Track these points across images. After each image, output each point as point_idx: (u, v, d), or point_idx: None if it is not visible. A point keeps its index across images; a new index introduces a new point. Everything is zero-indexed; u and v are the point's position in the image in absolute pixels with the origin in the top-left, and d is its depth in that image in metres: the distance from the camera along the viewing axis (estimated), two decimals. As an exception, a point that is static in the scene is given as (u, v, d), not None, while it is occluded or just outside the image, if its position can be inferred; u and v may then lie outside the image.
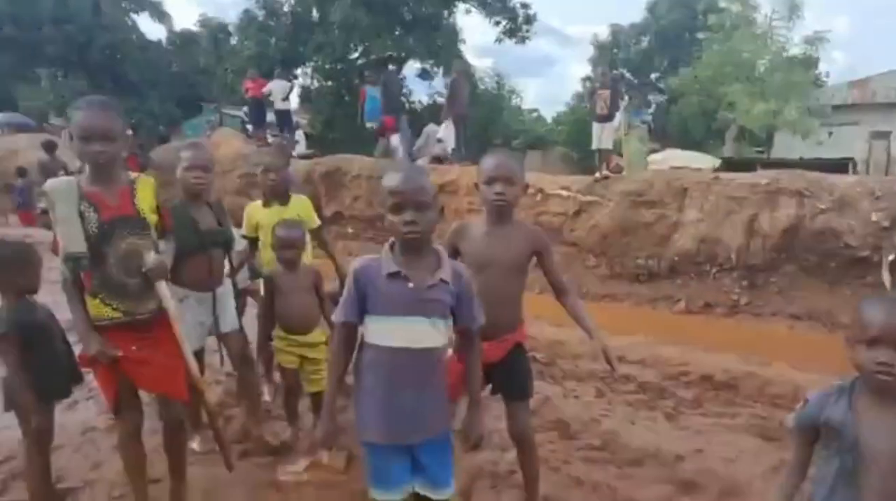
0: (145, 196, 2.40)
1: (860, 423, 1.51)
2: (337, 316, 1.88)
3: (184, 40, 34.84)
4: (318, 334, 3.16)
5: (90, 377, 2.61)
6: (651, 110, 10.18)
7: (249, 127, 15.18)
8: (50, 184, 2.34)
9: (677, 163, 11.00)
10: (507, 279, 2.33)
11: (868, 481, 1.48)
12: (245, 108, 16.32)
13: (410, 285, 1.79)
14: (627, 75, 23.91)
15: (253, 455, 3.10)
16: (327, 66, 22.59)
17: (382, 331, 1.81)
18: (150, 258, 2.33)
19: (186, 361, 2.44)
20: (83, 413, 3.51)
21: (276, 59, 21.43)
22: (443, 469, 1.91)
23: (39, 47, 29.74)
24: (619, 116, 9.51)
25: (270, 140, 12.51)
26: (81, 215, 2.26)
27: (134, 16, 35.03)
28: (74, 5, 29.68)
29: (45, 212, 8.88)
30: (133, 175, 2.44)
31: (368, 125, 11.99)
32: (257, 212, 3.53)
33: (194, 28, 34.78)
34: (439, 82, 23.04)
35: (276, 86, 13.31)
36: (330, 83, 23.11)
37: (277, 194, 3.50)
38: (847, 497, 1.52)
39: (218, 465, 2.62)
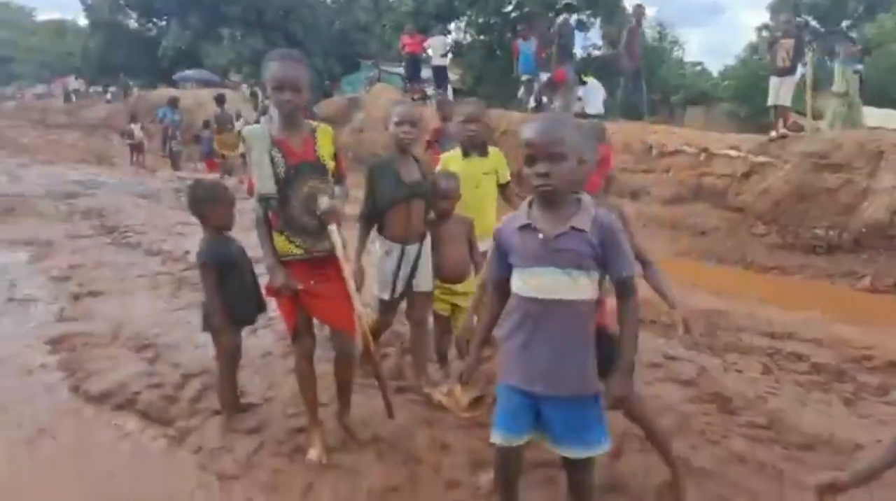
0: (325, 143, 2.55)
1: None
2: (486, 272, 1.97)
3: (347, -1, 36.21)
4: (470, 283, 3.20)
5: (271, 306, 2.86)
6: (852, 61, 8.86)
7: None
8: (247, 130, 2.57)
9: (872, 122, 9.61)
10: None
11: None
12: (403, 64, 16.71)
13: (540, 236, 1.80)
14: (813, 23, 21.12)
15: (407, 392, 3.25)
16: (480, 21, 22.41)
17: (519, 282, 1.86)
18: (324, 202, 2.47)
19: (355, 300, 2.59)
20: (263, 339, 3.89)
21: (432, 13, 21.63)
22: (569, 430, 1.86)
23: (223, 9, 32.53)
24: (801, 69, 8.46)
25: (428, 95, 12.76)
26: (272, 159, 2.44)
27: (305, -23, 36.85)
28: (255, -31, 31.78)
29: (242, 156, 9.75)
30: (314, 123, 2.58)
31: (523, 78, 11.76)
32: (454, 163, 3.45)
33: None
34: (595, 34, 21.98)
35: (435, 42, 13.44)
36: (482, 37, 22.94)
37: (476, 145, 3.47)
38: None
39: (377, 397, 2.77)
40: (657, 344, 4.18)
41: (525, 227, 1.83)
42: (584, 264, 1.78)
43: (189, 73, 29.71)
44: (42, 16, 64.72)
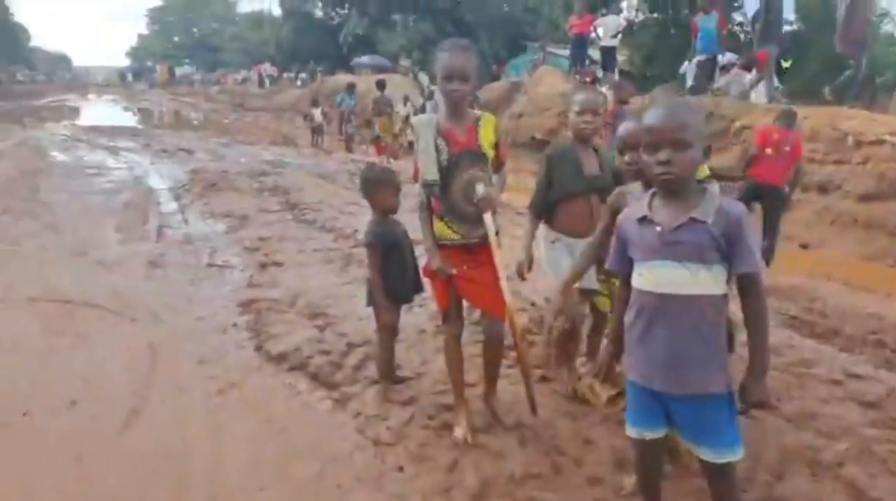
0: (487, 133, 2.62)
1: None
2: (607, 263, 1.97)
3: (517, -20, 36.10)
4: None
5: (427, 287, 3.02)
6: None
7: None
8: (416, 119, 2.74)
9: None
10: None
11: None
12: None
13: (658, 229, 1.76)
14: None
15: (553, 382, 3.27)
16: (655, -4, 21.13)
17: (637, 276, 1.84)
18: (481, 190, 2.54)
19: (503, 289, 2.64)
20: (419, 317, 4.12)
21: (604, -9, 20.81)
22: (696, 431, 1.81)
23: (398, -4, 33.95)
24: None
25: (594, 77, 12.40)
26: (437, 147, 2.57)
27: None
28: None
29: (394, 136, 10.27)
30: (478, 112, 2.67)
31: (699, 58, 10.96)
32: None
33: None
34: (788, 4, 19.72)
35: (607, 21, 12.96)
36: (655, 15, 21.64)
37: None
38: None
39: (523, 384, 2.82)
40: (839, 360, 3.76)
41: (643, 219, 1.81)
42: (704, 257, 1.70)
43: (364, 59, 31.57)
44: (243, 8, 72.46)
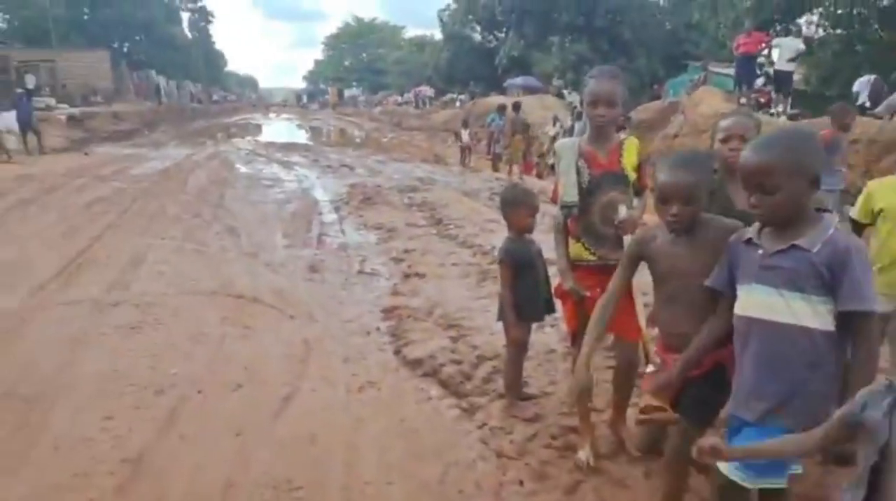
0: (630, 155, 2.64)
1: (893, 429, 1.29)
2: (709, 280, 1.93)
3: (682, -5, 34.67)
4: None
5: (559, 307, 3.05)
6: None
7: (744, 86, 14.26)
8: (558, 143, 2.83)
9: None
10: (696, 288, 1.99)
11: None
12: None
13: (759, 251, 1.73)
14: None
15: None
16: (839, 12, 19.20)
17: (737, 299, 1.81)
18: (623, 212, 2.55)
19: (636, 310, 2.61)
20: (549, 336, 4.15)
21: (778, 7, 19.35)
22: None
23: (554, 17, 34.08)
24: None
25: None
26: (577, 169, 2.63)
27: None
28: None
29: (541, 156, 10.38)
30: (622, 136, 2.69)
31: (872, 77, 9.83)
32: (889, 194, 2.81)
33: (693, -17, 34.20)
34: None
35: (784, 44, 12.07)
36: (838, 31, 19.65)
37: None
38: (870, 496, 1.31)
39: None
40: None
41: (749, 241, 1.79)
42: (801, 284, 1.63)
43: (516, 80, 31.99)
44: (409, 33, 77.09)
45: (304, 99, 76.87)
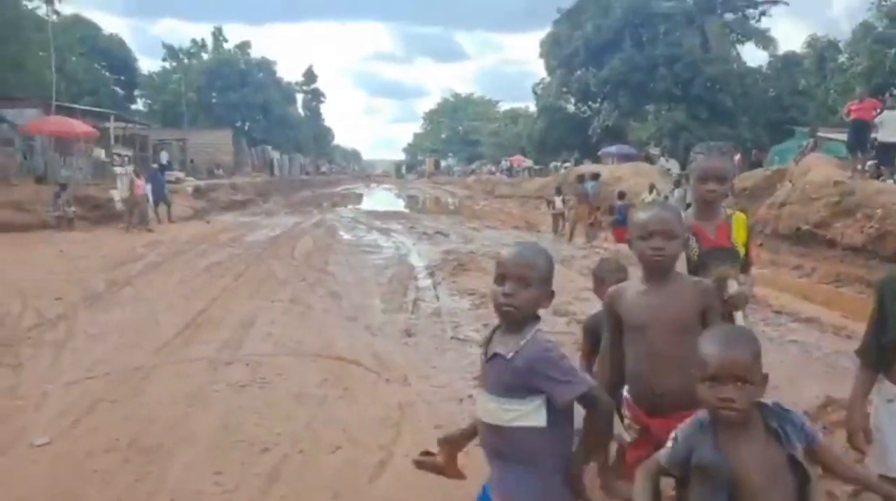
0: (739, 230, 2.57)
1: (731, 458, 1.46)
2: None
3: (785, 63, 33.88)
4: None
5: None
6: None
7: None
8: None
9: None
10: (672, 341, 1.94)
11: None
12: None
13: (483, 358, 1.84)
14: None
15: None
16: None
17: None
18: (733, 287, 2.46)
19: None
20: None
21: (892, 72, 18.37)
22: None
23: (651, 86, 34.09)
24: None
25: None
26: (686, 243, 2.59)
27: (739, 46, 36.13)
28: (686, 45, 32.68)
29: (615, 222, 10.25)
30: (730, 211, 2.63)
31: None
32: None
33: (799, 50, 33.42)
34: None
35: (889, 118, 11.41)
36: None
37: None
38: None
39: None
40: None
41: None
42: (509, 389, 1.70)
43: (611, 148, 31.98)
44: (504, 106, 79.52)
45: (403, 169, 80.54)
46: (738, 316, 2.44)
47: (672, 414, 1.91)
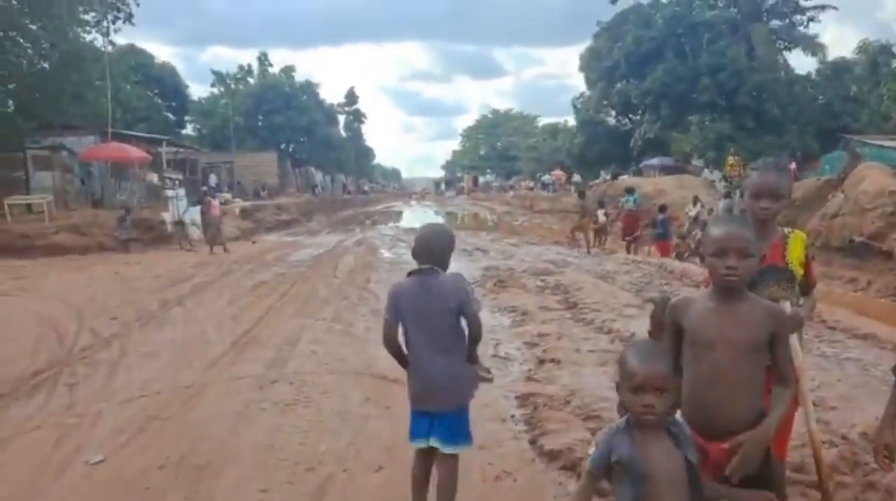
0: (796, 249, 2.46)
1: (643, 456, 1.71)
2: None
3: (835, 69, 32.89)
4: None
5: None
6: None
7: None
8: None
9: None
10: (738, 362, 1.93)
11: None
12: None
13: None
14: None
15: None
16: None
17: None
18: (788, 309, 2.36)
19: (808, 417, 2.37)
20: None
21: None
22: None
23: (694, 97, 33.50)
24: None
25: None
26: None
27: (786, 53, 35.25)
28: (730, 54, 32.07)
29: (682, 237, 10.09)
30: (787, 230, 2.53)
31: None
32: None
33: (849, 55, 32.44)
34: None
35: None
36: None
37: None
38: None
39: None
40: None
41: None
42: None
43: (652, 161, 31.51)
44: (542, 121, 79.42)
45: (442, 187, 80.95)
46: (793, 340, 2.33)
47: (732, 438, 1.92)
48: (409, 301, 2.82)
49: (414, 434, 2.86)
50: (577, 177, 39.92)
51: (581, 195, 17.93)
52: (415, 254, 2.88)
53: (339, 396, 4.80)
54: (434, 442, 2.77)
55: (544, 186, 41.36)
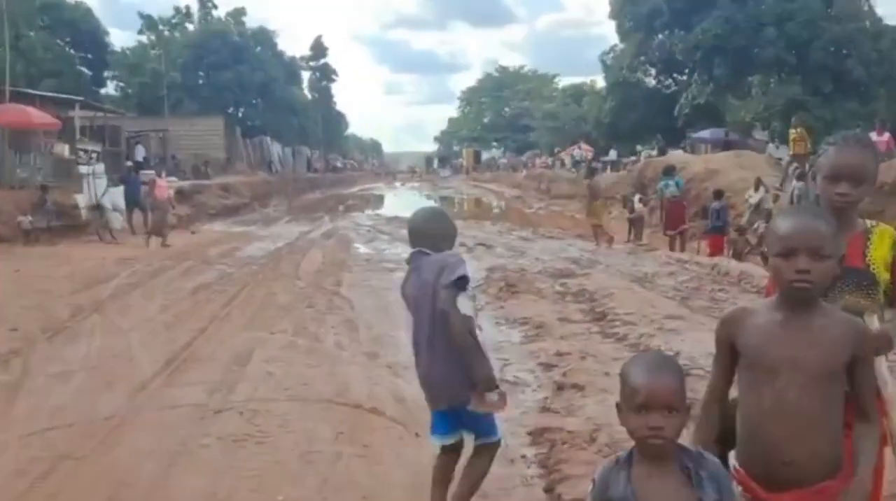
0: (880, 249, 2.40)
1: (641, 495, 1.73)
2: None
3: (933, 18, 33.01)
4: None
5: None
6: None
7: None
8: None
9: None
10: (810, 391, 1.90)
11: None
12: None
13: None
14: None
15: None
16: None
17: None
18: (873, 323, 2.33)
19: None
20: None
21: None
22: None
23: (755, 53, 33.51)
24: None
25: None
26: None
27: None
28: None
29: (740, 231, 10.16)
30: (870, 223, 2.48)
31: None
32: None
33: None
34: None
35: None
36: None
37: None
38: None
39: None
40: None
41: None
42: None
43: (703, 133, 31.59)
44: (564, 81, 79.39)
45: (435, 164, 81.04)
46: (880, 365, 2.32)
47: (809, 485, 1.92)
48: (408, 288, 3.32)
49: (433, 430, 3.38)
50: (612, 154, 39.62)
51: (590, 174, 18.37)
52: (411, 244, 3.31)
53: (303, 430, 4.80)
54: (461, 436, 3.31)
55: (576, 164, 41.12)
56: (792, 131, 21.16)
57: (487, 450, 3.32)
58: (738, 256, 13.34)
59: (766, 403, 1.94)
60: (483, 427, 3.26)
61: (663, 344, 6.69)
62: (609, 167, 36.73)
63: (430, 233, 3.30)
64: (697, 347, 6.07)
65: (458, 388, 3.14)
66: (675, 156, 26.43)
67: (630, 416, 1.77)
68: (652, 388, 1.73)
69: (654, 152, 31.97)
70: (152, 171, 27.34)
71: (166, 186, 17.46)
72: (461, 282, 3.13)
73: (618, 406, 1.83)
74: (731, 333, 2.05)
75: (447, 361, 3.15)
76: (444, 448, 3.33)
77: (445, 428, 3.28)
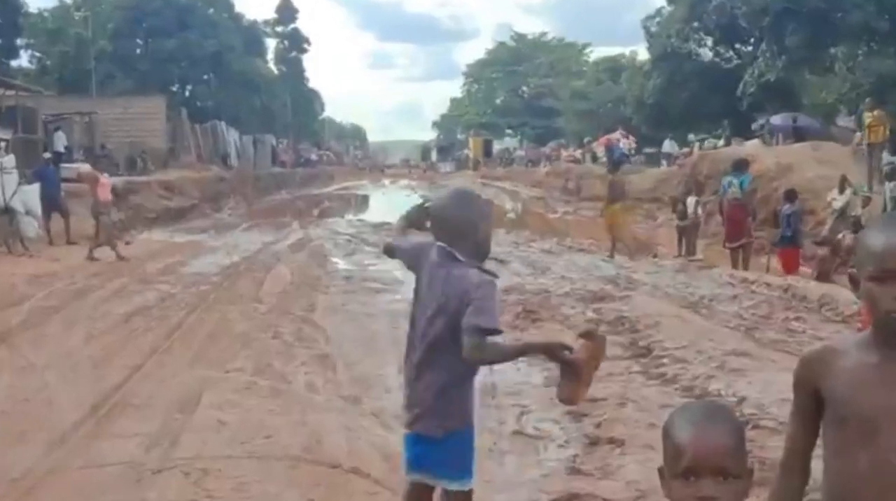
0: None
1: None
2: None
3: None
4: None
5: None
6: None
7: None
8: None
9: None
10: None
11: None
12: None
13: None
14: None
15: None
16: None
17: None
18: None
19: None
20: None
21: None
22: None
23: (838, 18, 33.48)
24: None
25: None
26: None
27: None
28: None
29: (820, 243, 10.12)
30: None
31: None
32: None
33: None
34: None
35: None
36: None
37: None
38: None
39: None
40: None
41: None
42: None
43: (776, 119, 31.55)
44: (597, 53, 79.39)
45: (434, 155, 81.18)
46: None
47: None
48: (426, 271, 3.21)
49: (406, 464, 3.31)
50: (668, 145, 39.38)
51: (615, 168, 18.76)
52: (434, 238, 3.19)
53: (264, 496, 4.79)
54: (425, 477, 3.17)
55: (622, 157, 40.83)
56: (867, 114, 20.87)
57: (464, 497, 3.19)
58: (824, 276, 13.25)
59: (862, 467, 1.90)
60: (448, 469, 3.14)
61: (724, 387, 6.68)
62: (666, 161, 36.74)
63: (457, 226, 3.11)
64: (768, 391, 6.06)
65: (461, 411, 3.17)
66: (744, 147, 26.31)
67: (674, 484, 1.72)
68: (700, 448, 1.68)
69: (721, 142, 31.83)
70: (77, 164, 27.52)
71: (109, 184, 17.38)
72: (490, 331, 3.05)
73: (660, 470, 1.77)
74: (815, 377, 2.02)
75: (457, 381, 3.16)
76: (416, 484, 3.24)
77: (416, 462, 3.19)
